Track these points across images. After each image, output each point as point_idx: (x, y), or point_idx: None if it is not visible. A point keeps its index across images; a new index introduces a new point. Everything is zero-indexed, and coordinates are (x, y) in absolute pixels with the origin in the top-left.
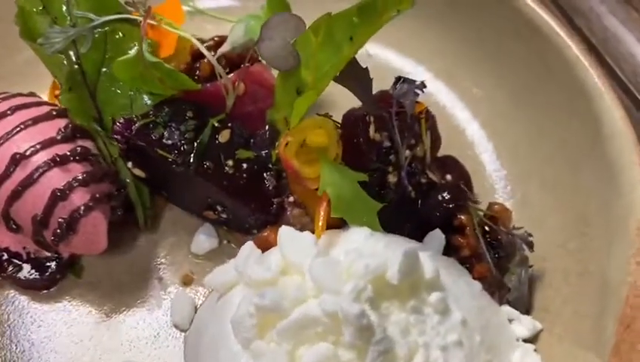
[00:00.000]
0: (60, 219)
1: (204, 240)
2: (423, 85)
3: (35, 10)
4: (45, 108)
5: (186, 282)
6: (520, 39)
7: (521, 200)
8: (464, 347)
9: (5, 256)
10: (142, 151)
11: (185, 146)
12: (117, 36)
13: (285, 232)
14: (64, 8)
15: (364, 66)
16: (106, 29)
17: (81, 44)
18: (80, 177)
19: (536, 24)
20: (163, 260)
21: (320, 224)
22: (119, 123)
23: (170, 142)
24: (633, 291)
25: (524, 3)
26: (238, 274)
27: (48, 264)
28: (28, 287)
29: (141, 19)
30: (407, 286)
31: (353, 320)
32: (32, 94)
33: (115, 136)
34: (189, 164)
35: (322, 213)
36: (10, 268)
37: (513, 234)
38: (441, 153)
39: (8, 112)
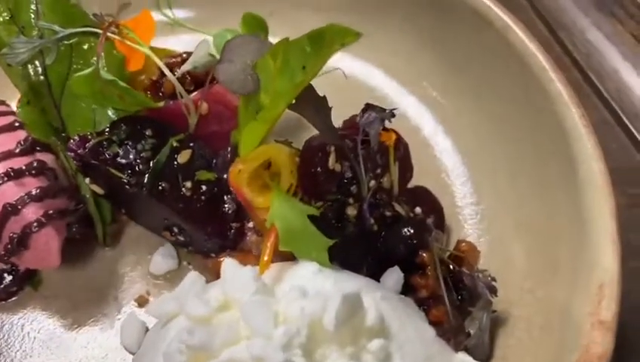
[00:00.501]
0: (11, 234)
1: (162, 261)
2: (391, 114)
3: (1, 19)
4: (10, 119)
5: (141, 303)
6: (506, 70)
7: (494, 238)
8: None
9: None
10: (97, 168)
11: (140, 166)
12: (83, 48)
13: (228, 265)
14: (32, 17)
15: (322, 94)
16: (72, 41)
17: (46, 55)
18: (34, 192)
19: (524, 59)
20: (121, 278)
21: (265, 258)
22: (73, 140)
23: (124, 161)
24: (584, 356)
25: (515, 35)
26: (177, 305)
27: (4, 276)
28: None
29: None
30: (346, 332)
31: None
32: (1, 103)
33: (70, 154)
34: (142, 185)
35: (269, 246)
36: None
37: (477, 277)
38: (416, 180)
39: None
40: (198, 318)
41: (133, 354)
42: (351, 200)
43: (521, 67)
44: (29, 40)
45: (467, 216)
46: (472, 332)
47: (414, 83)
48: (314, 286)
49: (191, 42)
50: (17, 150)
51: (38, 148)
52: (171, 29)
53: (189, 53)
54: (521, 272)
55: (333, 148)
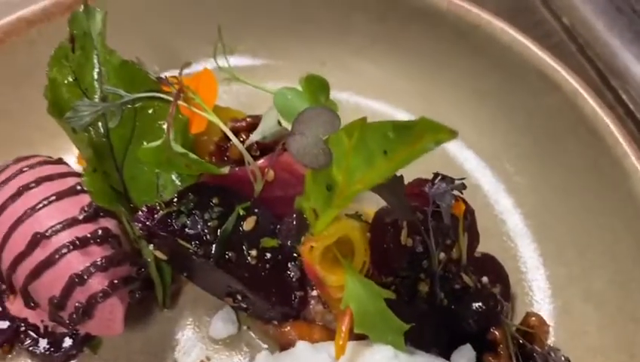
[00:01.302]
0: (77, 304)
1: (222, 326)
2: (462, 186)
3: (65, 81)
4: (70, 182)
5: None
6: (574, 134)
7: (561, 307)
8: None
9: (23, 327)
10: (164, 237)
11: (207, 236)
12: (147, 112)
13: (302, 349)
14: (95, 80)
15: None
16: (137, 105)
17: (110, 118)
18: (99, 262)
19: (594, 125)
20: (180, 342)
21: (340, 343)
22: (142, 211)
23: (192, 231)
24: None
25: (584, 100)
26: None
27: (65, 339)
28: (41, 360)
29: (172, 98)
30: None
31: None
32: (59, 161)
33: (137, 225)
34: (209, 256)
35: (344, 330)
36: (28, 341)
37: (549, 355)
38: (479, 243)
39: (33, 184)
40: None
41: None
42: (422, 276)
43: (590, 136)
44: (93, 103)
45: (532, 282)
46: None
47: (474, 142)
48: None
49: (246, 99)
50: (81, 217)
51: (101, 214)
52: (227, 83)
53: (253, 117)
54: (591, 348)
55: (405, 223)
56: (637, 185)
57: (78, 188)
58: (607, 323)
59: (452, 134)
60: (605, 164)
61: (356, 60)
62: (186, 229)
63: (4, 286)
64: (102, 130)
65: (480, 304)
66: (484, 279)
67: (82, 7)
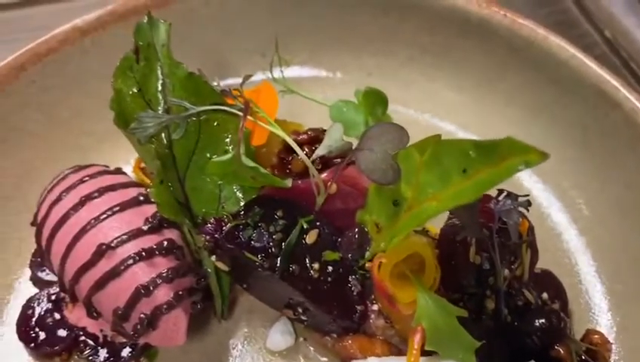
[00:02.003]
0: (141, 315)
1: (280, 338)
2: (528, 203)
3: (130, 92)
4: (132, 192)
5: None
6: (633, 151)
7: (620, 324)
8: None
9: (82, 337)
10: (230, 250)
11: (272, 249)
12: (212, 125)
13: None
14: (159, 91)
15: None
16: (201, 117)
17: (173, 130)
18: (164, 273)
19: None
20: (237, 353)
21: (412, 360)
22: (210, 223)
23: (258, 244)
24: None
25: None
26: None
27: (123, 349)
28: None
29: (236, 111)
30: None
31: None
32: (119, 171)
33: (206, 237)
34: (275, 269)
35: (416, 347)
36: (87, 351)
37: None
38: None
39: (95, 194)
40: None
41: None
42: (488, 292)
43: None
44: (157, 115)
45: (589, 298)
46: None
47: None
48: None
49: (302, 111)
50: (146, 228)
51: (165, 225)
52: (281, 95)
53: (314, 130)
54: None
55: (474, 240)
56: None
57: (141, 198)
58: None
59: (543, 156)
60: None
61: (404, 71)
62: (252, 242)
63: (62, 295)
64: (165, 142)
65: (543, 320)
66: (544, 295)
67: (146, 18)
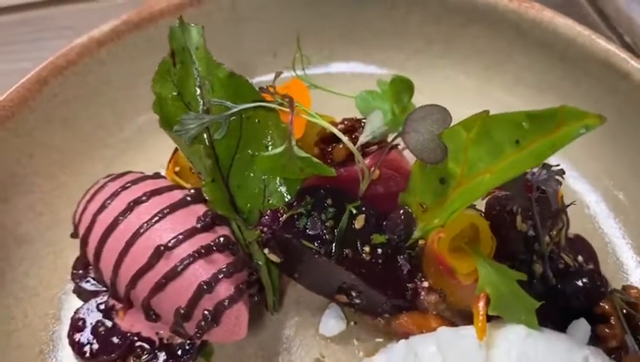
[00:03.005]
0: (204, 312)
1: (333, 323)
2: (562, 171)
3: (169, 96)
4: (178, 194)
5: None
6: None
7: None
8: None
9: (138, 342)
10: (285, 241)
11: (326, 236)
12: (253, 122)
13: (446, 333)
14: (197, 93)
15: None
16: (242, 115)
17: (215, 130)
18: (224, 269)
19: None
20: (292, 342)
21: (480, 325)
22: (266, 215)
23: (313, 232)
24: None
25: None
26: None
27: (180, 350)
28: None
29: (277, 106)
30: None
31: None
32: (157, 175)
33: (262, 228)
34: (330, 254)
35: (481, 313)
36: (145, 355)
37: None
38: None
39: (143, 198)
40: None
41: None
42: (535, 258)
43: None
44: (198, 116)
45: (619, 258)
46: None
47: None
48: (530, 351)
49: (323, 104)
50: (199, 226)
51: (216, 222)
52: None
53: (348, 120)
54: None
55: (519, 210)
56: None
57: (188, 199)
58: None
59: (600, 119)
60: None
61: (414, 61)
62: (308, 230)
63: (112, 302)
64: (207, 143)
65: (586, 280)
66: (579, 258)
67: (178, 22)
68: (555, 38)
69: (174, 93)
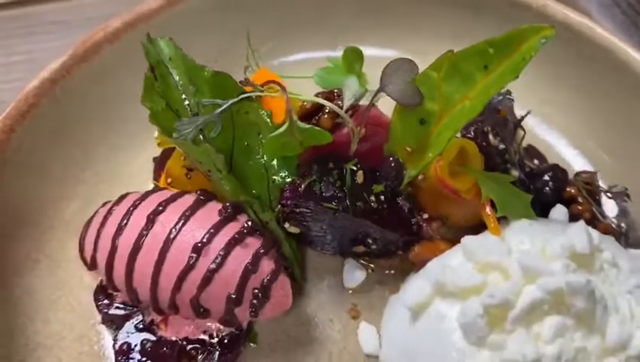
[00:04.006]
0: (254, 291)
1: (354, 274)
2: (509, 92)
3: (160, 108)
4: (189, 197)
5: (355, 316)
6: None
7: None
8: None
9: (188, 346)
10: (304, 209)
11: (340, 194)
12: (243, 114)
13: (468, 243)
14: (183, 99)
15: None
16: (232, 110)
17: (209, 129)
18: (260, 248)
19: None
20: (324, 302)
21: (493, 225)
22: (287, 189)
23: (328, 194)
24: None
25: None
26: (435, 289)
27: (230, 339)
28: None
29: (264, 94)
30: (588, 254)
31: (582, 289)
32: (158, 188)
33: (287, 202)
34: (347, 209)
35: (490, 215)
36: (200, 356)
37: (614, 192)
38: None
39: (160, 208)
40: (471, 289)
41: (375, 356)
42: (509, 166)
43: None
44: (192, 119)
45: (563, 155)
46: (627, 232)
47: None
48: (538, 235)
49: None
50: (223, 218)
51: (236, 212)
52: None
53: (321, 92)
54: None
55: (489, 129)
56: None
57: (202, 198)
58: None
59: (554, 28)
60: None
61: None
62: (324, 194)
63: (150, 318)
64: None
65: (551, 174)
66: (536, 161)
67: (147, 39)
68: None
69: (164, 105)
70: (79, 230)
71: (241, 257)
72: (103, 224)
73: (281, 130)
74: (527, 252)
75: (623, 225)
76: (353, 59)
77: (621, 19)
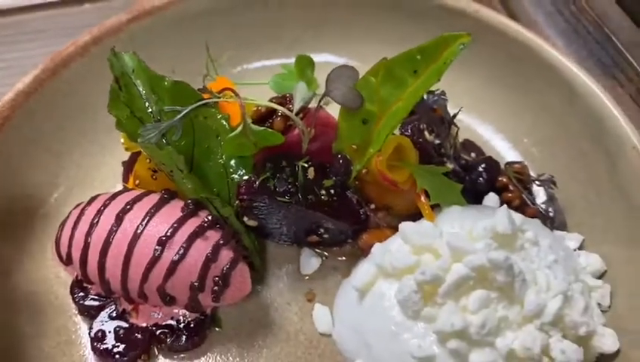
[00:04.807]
0: (215, 278)
1: (310, 262)
2: (443, 92)
3: (125, 115)
4: (154, 196)
5: (310, 299)
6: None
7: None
8: (558, 261)
9: (158, 330)
10: (259, 203)
11: (292, 189)
12: (201, 120)
13: (406, 228)
14: (146, 106)
15: None
16: (191, 116)
17: (171, 134)
18: (220, 240)
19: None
20: (282, 289)
21: (427, 212)
22: (243, 185)
23: (282, 189)
24: None
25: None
26: (378, 270)
27: (196, 324)
28: (182, 350)
29: (220, 100)
30: (510, 234)
31: (502, 264)
32: (126, 189)
33: (243, 197)
34: (300, 202)
35: (425, 203)
36: (169, 339)
37: (542, 180)
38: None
39: (127, 207)
40: (405, 269)
41: (329, 335)
42: (444, 159)
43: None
44: (155, 125)
45: (497, 149)
46: (553, 216)
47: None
48: (467, 220)
49: None
50: (186, 214)
51: (197, 208)
52: None
53: (274, 97)
54: (559, 168)
55: (425, 126)
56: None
57: (165, 196)
58: (559, 148)
59: (470, 36)
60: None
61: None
62: (278, 189)
63: (122, 307)
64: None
65: (484, 165)
66: (472, 154)
67: (111, 53)
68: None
69: (128, 113)
70: (55, 230)
71: (202, 248)
72: (76, 223)
73: (236, 132)
74: (456, 234)
75: (550, 209)
76: (305, 66)
77: (563, 27)
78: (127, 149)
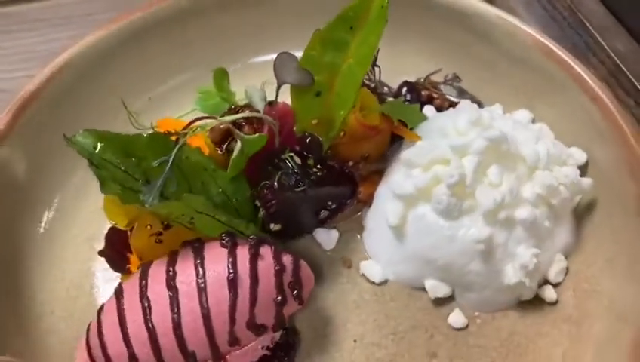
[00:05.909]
0: (290, 284)
1: (330, 234)
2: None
3: (120, 190)
4: (185, 252)
5: (349, 265)
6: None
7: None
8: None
9: None
10: (284, 203)
11: (297, 178)
12: (184, 160)
13: (406, 155)
14: (129, 175)
15: None
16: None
17: (168, 187)
18: (273, 250)
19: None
20: (321, 271)
21: (412, 134)
22: (265, 191)
23: (293, 181)
24: None
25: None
26: (404, 201)
27: (283, 341)
28: None
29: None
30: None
31: (499, 138)
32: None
33: (272, 202)
34: (311, 186)
35: (405, 130)
36: None
37: (449, 80)
38: None
39: (170, 273)
40: (427, 186)
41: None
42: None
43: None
44: (149, 186)
45: None
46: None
47: None
48: (443, 125)
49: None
50: (230, 247)
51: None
52: None
53: (231, 109)
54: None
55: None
56: None
57: (196, 245)
58: None
59: None
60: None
61: None
62: (290, 183)
63: None
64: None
65: (405, 89)
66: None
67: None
68: None
69: (120, 188)
70: None
71: (266, 266)
72: (121, 319)
73: (236, 152)
74: (448, 138)
75: (470, 97)
76: (220, 78)
77: (541, 14)
78: (127, 225)
